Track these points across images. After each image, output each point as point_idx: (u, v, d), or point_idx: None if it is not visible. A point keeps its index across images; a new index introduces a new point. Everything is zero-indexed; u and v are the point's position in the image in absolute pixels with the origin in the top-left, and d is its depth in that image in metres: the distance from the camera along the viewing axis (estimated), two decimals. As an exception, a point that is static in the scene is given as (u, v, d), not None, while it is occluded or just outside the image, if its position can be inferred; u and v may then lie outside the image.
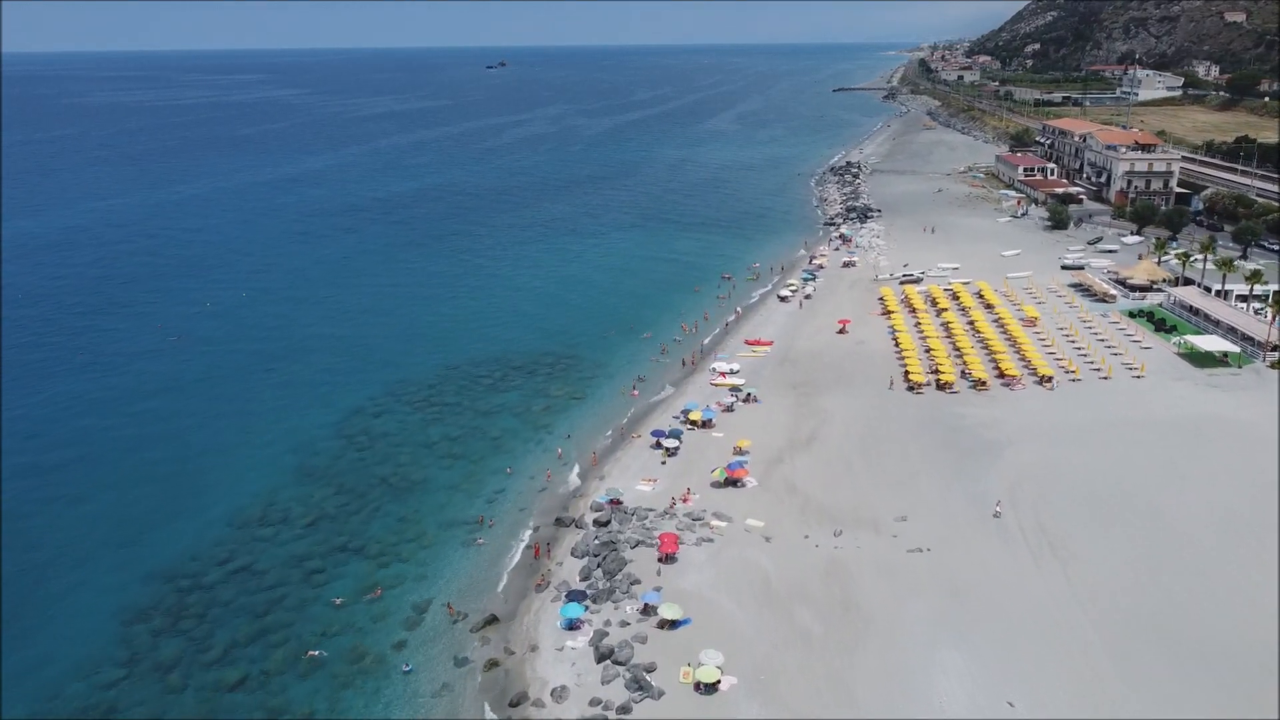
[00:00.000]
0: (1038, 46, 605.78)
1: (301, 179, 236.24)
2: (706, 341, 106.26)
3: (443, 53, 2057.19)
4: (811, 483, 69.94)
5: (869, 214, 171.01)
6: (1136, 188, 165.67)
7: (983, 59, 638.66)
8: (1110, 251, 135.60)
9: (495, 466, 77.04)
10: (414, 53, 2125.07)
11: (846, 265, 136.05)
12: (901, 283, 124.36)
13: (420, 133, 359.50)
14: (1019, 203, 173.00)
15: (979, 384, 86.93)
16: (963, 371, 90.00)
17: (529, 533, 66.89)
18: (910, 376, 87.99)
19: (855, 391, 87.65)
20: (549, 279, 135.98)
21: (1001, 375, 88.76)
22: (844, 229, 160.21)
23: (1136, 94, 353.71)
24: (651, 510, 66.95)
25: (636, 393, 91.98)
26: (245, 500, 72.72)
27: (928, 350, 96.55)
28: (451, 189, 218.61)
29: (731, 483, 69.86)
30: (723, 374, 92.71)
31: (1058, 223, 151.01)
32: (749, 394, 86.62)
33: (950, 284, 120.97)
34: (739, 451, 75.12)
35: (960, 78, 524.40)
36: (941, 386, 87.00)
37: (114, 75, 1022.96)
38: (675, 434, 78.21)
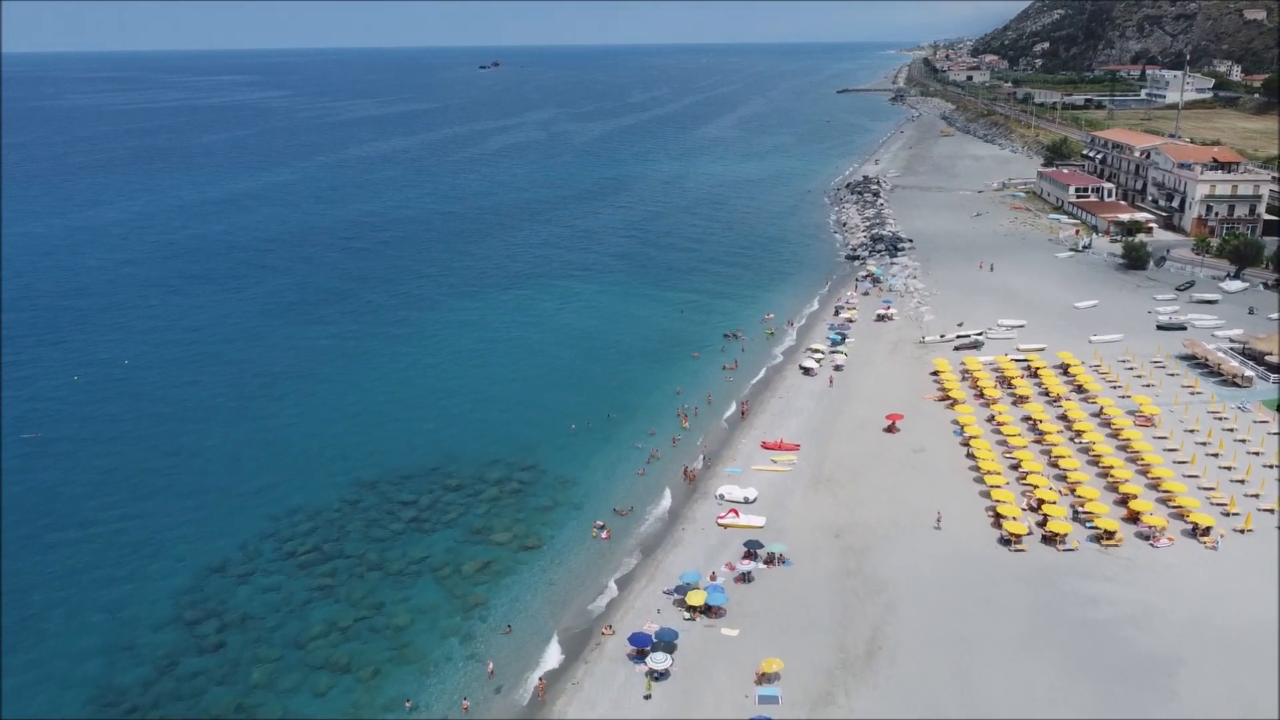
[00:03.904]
0: (1047, 45, 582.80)
1: (246, 199, 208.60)
2: (709, 442, 79.82)
3: (437, 52, 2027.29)
4: (885, 757, 43.51)
5: (899, 246, 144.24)
6: (1217, 214, 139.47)
7: (990, 58, 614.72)
8: (1209, 302, 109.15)
9: (392, 692, 50.59)
10: (408, 53, 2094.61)
11: (881, 319, 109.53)
12: (956, 348, 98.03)
13: (396, 140, 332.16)
14: (1078, 232, 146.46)
15: (1105, 536, 60.47)
16: (1074, 509, 63.60)
17: None
18: (1005, 525, 61.38)
19: (925, 543, 61.23)
20: (510, 345, 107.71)
21: (1130, 517, 62.38)
22: (872, 266, 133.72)
23: (1164, 96, 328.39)
24: (625, 825, 40.56)
25: (608, 534, 65.66)
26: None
27: (1016, 468, 70.10)
28: (413, 214, 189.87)
29: (756, 755, 43.51)
30: (734, 509, 66.27)
31: (1134, 261, 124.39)
32: (774, 554, 60.05)
33: (1021, 350, 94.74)
34: (765, 679, 48.74)
35: (970, 78, 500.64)
36: (1049, 539, 60.56)
37: (99, 76, 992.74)
38: (666, 639, 51.72)
